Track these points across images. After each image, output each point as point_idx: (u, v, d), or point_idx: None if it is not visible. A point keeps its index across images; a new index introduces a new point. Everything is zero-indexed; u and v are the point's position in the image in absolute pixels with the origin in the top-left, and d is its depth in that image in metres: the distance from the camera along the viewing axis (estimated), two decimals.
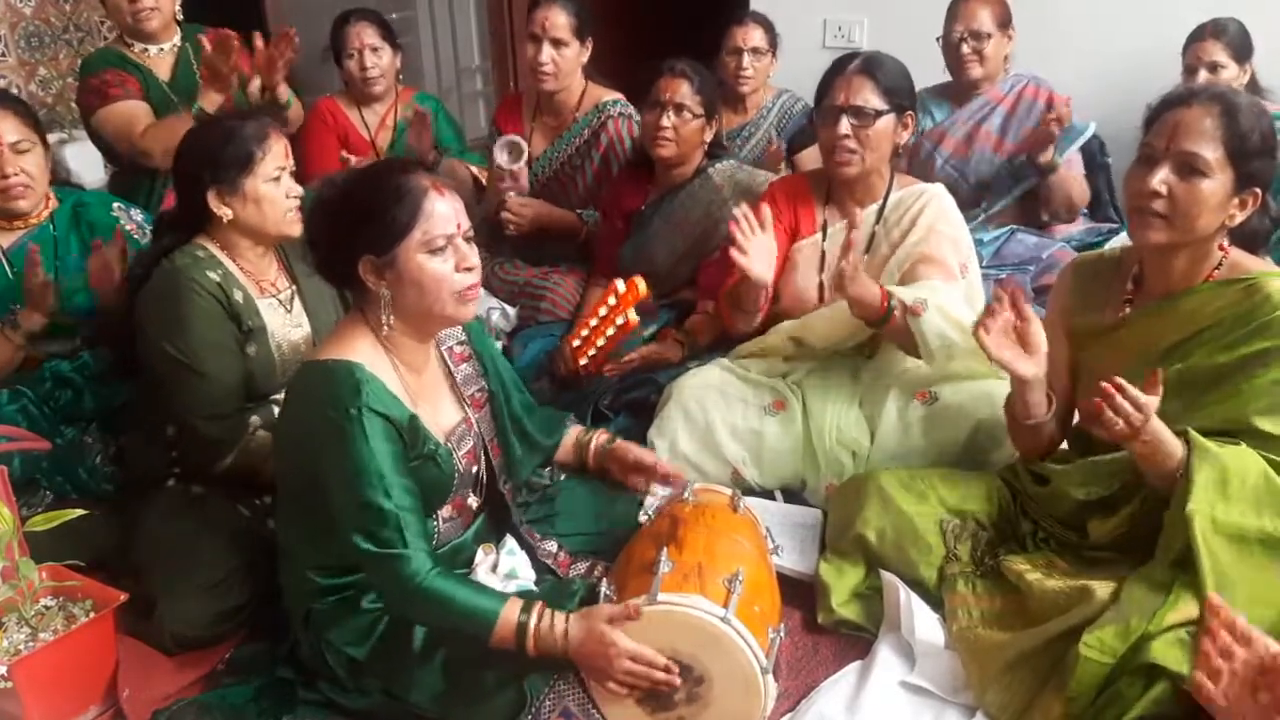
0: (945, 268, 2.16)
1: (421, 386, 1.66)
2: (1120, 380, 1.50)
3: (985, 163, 2.97)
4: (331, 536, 1.55)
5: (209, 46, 2.53)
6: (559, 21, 2.80)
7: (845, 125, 2.14)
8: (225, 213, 1.93)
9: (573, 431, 2.01)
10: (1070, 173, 2.90)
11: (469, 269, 1.58)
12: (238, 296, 1.95)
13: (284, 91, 2.85)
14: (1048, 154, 2.80)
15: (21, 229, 2.29)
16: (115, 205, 2.43)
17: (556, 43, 2.81)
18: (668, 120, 2.51)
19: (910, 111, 2.21)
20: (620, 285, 2.35)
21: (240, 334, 1.95)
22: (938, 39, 2.96)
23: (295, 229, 1.98)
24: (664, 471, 1.91)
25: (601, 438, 1.99)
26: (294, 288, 2.08)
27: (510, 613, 1.52)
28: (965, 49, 2.90)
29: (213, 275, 1.92)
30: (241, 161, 1.91)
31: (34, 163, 2.23)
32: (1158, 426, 1.54)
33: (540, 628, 1.51)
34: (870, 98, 2.14)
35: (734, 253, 2.06)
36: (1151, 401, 1.51)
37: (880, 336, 2.19)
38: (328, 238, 1.60)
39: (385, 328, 1.58)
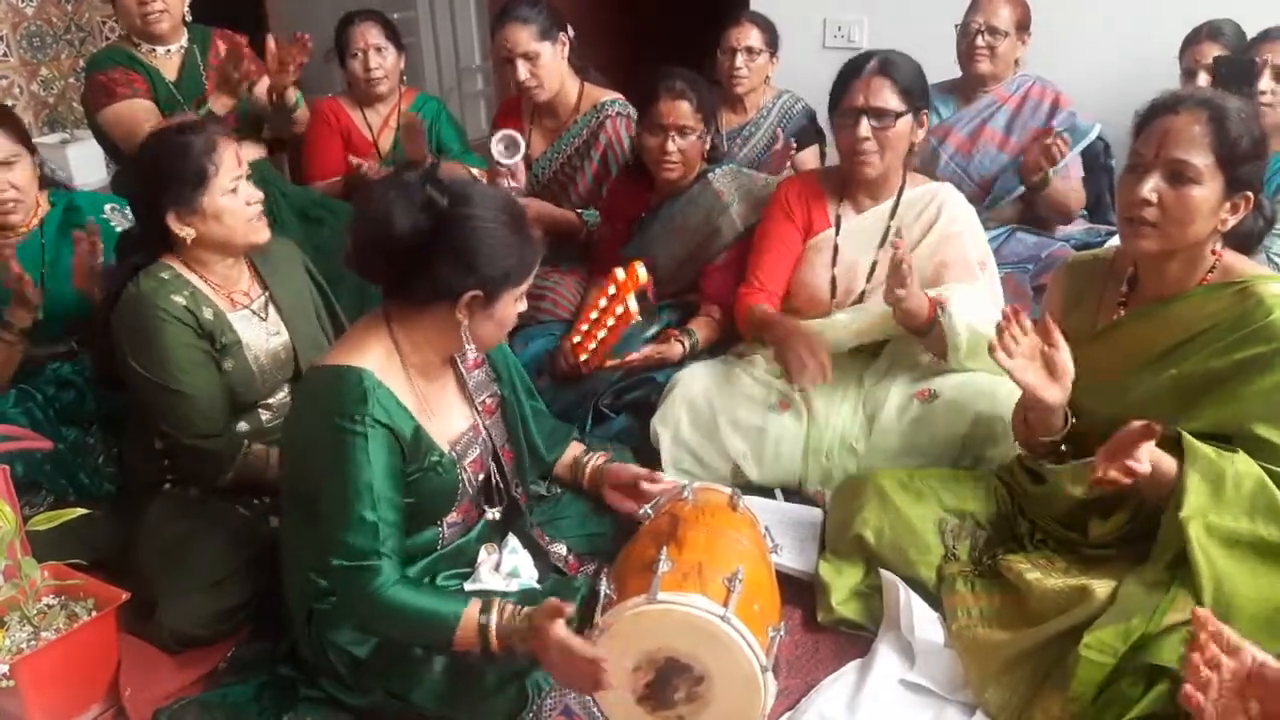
0: (967, 269, 2.17)
1: (431, 393, 1.66)
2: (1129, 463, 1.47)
3: (989, 161, 2.97)
4: None
5: (223, 52, 2.54)
6: (521, 38, 2.78)
7: (865, 127, 2.15)
8: (188, 233, 1.88)
9: (573, 449, 1.99)
10: (1067, 182, 2.89)
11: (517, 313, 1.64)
12: (208, 314, 1.91)
13: (292, 94, 2.85)
14: (1037, 176, 2.78)
15: (12, 237, 2.26)
16: (108, 206, 2.40)
17: (527, 56, 2.80)
18: (673, 145, 2.48)
19: (925, 110, 2.22)
20: (620, 273, 2.30)
21: (215, 351, 1.92)
22: (956, 25, 2.97)
23: (262, 235, 1.95)
24: (659, 490, 1.85)
25: (599, 459, 1.96)
26: (266, 294, 2.04)
27: (471, 614, 1.51)
28: (980, 41, 2.92)
29: (178, 299, 1.88)
30: (195, 179, 1.84)
31: (21, 175, 2.21)
32: (1159, 461, 1.53)
33: (501, 625, 1.50)
34: (890, 99, 2.14)
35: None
36: (1147, 451, 1.48)
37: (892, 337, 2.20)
38: (432, 259, 1.50)
39: (466, 351, 1.59)
